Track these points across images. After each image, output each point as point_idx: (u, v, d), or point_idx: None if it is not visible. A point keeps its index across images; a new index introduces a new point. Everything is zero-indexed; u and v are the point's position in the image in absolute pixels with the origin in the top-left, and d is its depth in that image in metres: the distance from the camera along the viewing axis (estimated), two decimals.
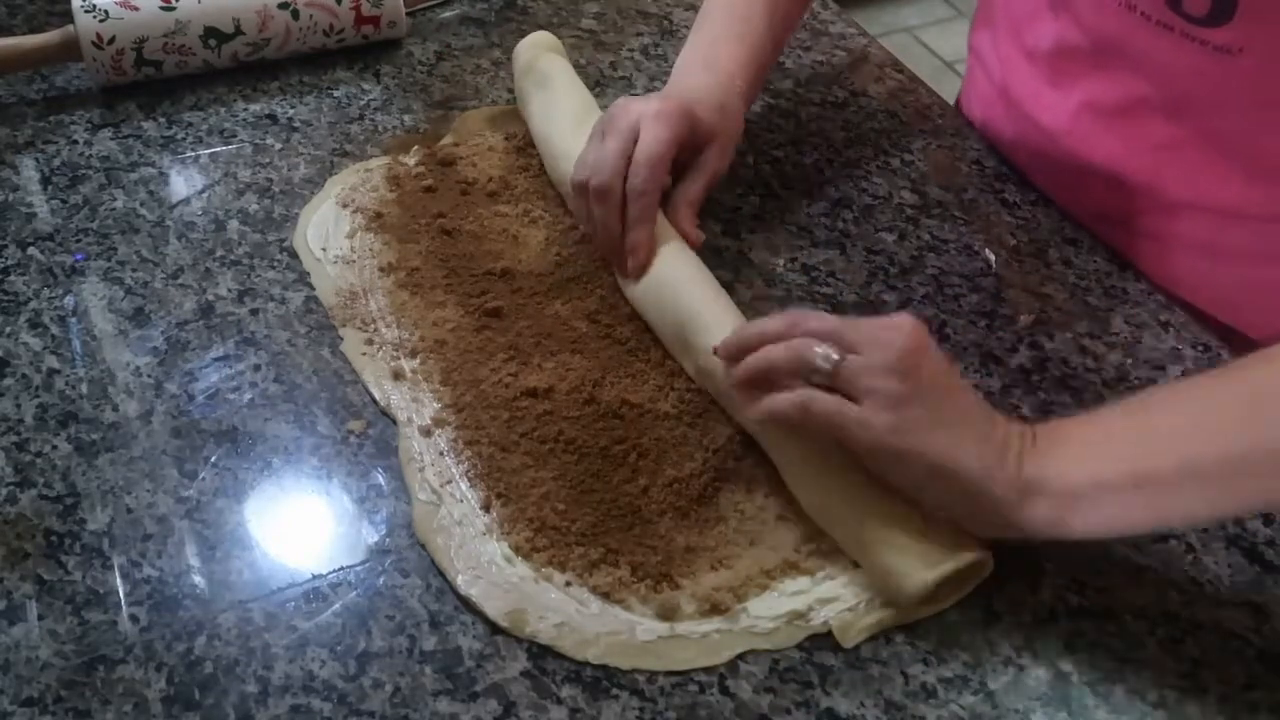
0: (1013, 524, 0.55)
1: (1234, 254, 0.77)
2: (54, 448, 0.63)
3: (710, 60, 0.78)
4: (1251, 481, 0.53)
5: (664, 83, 0.91)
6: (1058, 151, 0.81)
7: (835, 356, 0.57)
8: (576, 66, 0.88)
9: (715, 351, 0.63)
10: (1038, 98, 0.82)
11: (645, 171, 0.69)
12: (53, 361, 0.68)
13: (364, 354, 0.69)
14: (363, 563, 0.59)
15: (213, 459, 0.63)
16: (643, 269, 0.70)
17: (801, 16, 0.89)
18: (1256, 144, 0.72)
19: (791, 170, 0.84)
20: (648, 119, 0.70)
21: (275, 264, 0.74)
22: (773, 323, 0.61)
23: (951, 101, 0.94)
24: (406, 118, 0.87)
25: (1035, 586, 0.59)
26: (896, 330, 0.57)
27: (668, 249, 0.71)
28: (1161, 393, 0.61)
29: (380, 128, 0.85)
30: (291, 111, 0.86)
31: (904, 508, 0.57)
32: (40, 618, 0.56)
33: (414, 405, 0.66)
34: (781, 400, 0.58)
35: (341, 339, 0.70)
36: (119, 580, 0.57)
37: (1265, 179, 0.73)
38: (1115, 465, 0.54)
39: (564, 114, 0.80)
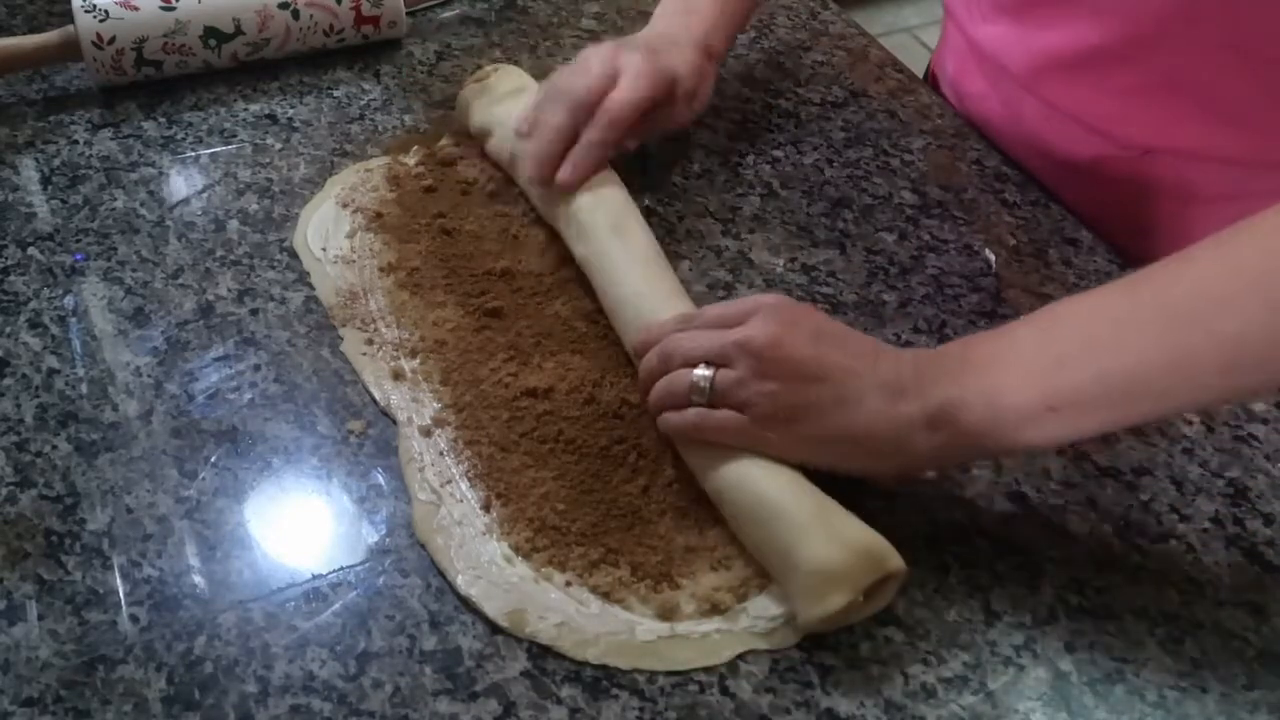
0: (934, 461, 0.57)
1: (1202, 196, 0.77)
2: (54, 448, 0.63)
3: (688, 21, 0.79)
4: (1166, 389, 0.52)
5: None
6: (1027, 99, 0.83)
7: (709, 374, 0.58)
8: None
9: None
10: (1007, 46, 0.83)
11: (607, 121, 0.70)
12: (53, 361, 0.68)
13: (364, 354, 0.69)
14: (363, 563, 0.59)
15: (213, 459, 0.63)
16: (564, 189, 0.71)
17: None
18: (1216, 87, 0.72)
19: (791, 170, 0.84)
20: (629, 73, 0.71)
21: (275, 264, 0.74)
22: (651, 359, 0.62)
23: (942, 89, 0.94)
24: (406, 118, 0.87)
25: (1035, 586, 0.59)
26: (754, 323, 0.58)
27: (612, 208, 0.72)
28: (1068, 306, 0.57)
29: (380, 128, 0.85)
30: (291, 111, 0.86)
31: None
32: (40, 618, 0.56)
33: (414, 405, 0.66)
34: (675, 420, 0.60)
35: (341, 339, 0.70)
36: (119, 580, 0.57)
37: (1226, 123, 0.73)
38: (1033, 382, 0.53)
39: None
